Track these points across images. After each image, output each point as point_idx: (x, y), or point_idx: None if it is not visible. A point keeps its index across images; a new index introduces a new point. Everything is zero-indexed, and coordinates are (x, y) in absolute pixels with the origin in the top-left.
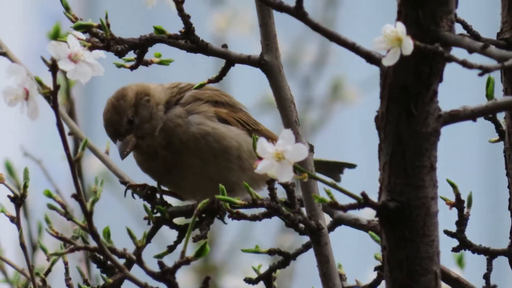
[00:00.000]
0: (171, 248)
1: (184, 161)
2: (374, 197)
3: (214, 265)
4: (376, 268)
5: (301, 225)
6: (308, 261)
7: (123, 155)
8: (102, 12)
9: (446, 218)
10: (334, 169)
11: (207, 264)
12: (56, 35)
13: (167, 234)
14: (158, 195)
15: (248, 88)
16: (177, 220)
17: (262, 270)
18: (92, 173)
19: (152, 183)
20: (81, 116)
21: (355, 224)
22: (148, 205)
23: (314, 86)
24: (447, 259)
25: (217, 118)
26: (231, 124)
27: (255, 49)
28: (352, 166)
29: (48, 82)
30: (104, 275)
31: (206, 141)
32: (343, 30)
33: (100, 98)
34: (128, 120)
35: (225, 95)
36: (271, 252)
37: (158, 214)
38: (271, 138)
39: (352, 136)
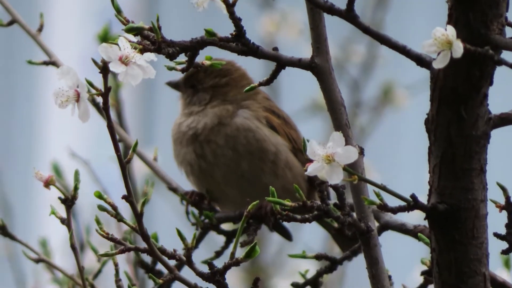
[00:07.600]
0: (218, 254)
1: (218, 145)
2: (424, 199)
3: (262, 267)
4: (422, 273)
5: (348, 232)
6: (357, 266)
7: (170, 81)
8: (161, 13)
9: (496, 221)
10: None
11: (255, 265)
12: (105, 37)
13: (216, 240)
14: (205, 201)
15: (297, 91)
16: (224, 226)
17: (309, 275)
18: (139, 179)
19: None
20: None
21: (402, 229)
22: (196, 211)
23: (363, 89)
24: (494, 263)
25: (268, 123)
26: (279, 134)
27: (303, 52)
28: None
29: (100, 86)
30: (153, 277)
31: (245, 135)
32: (391, 33)
33: (157, 103)
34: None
35: (284, 112)
36: (318, 257)
37: (206, 220)
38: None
39: (402, 139)
